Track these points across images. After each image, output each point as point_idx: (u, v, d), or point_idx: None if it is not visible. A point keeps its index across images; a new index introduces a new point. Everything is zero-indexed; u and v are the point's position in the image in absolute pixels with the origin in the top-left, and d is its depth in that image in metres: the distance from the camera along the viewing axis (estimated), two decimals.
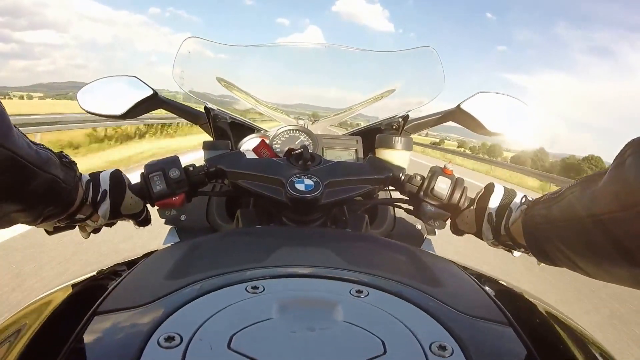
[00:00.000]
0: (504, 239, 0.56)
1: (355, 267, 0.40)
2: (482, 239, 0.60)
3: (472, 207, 0.61)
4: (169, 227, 0.83)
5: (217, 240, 0.60)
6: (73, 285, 0.42)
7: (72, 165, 0.52)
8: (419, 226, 0.83)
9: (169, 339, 0.26)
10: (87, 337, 0.29)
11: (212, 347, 0.26)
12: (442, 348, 0.27)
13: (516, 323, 0.33)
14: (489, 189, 0.59)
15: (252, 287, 0.34)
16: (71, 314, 0.33)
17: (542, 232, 0.45)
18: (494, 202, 0.58)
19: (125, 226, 0.69)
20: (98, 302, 0.33)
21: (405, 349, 0.27)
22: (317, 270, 0.38)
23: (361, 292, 0.34)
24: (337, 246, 0.47)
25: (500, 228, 0.56)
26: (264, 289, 0.34)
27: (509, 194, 0.58)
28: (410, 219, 0.82)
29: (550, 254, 0.44)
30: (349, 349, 0.27)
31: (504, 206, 0.57)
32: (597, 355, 0.36)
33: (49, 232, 0.59)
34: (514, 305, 0.40)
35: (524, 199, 0.55)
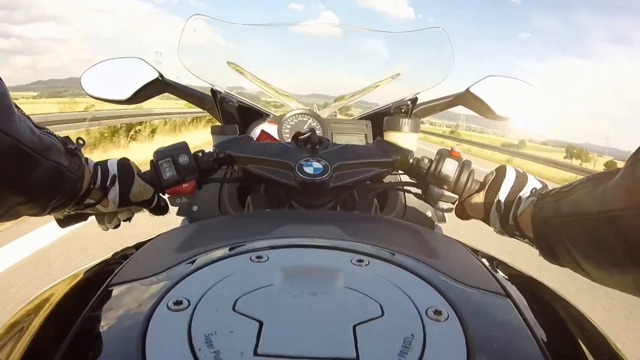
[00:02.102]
0: (511, 229, 0.56)
1: (358, 239, 0.41)
2: (489, 225, 0.61)
3: (481, 192, 0.60)
4: (182, 218, 0.82)
5: (227, 220, 0.61)
6: (89, 268, 0.43)
7: (77, 151, 0.49)
8: (429, 213, 0.83)
9: (177, 303, 0.28)
10: (100, 306, 0.31)
11: (218, 309, 0.27)
12: (438, 313, 0.28)
13: (513, 296, 0.34)
14: (501, 173, 0.59)
15: (257, 257, 0.35)
16: (86, 289, 0.35)
17: (550, 226, 0.45)
18: (505, 188, 0.57)
19: None
20: (111, 276, 0.35)
21: (401, 312, 0.28)
22: (321, 242, 0.40)
23: (362, 261, 0.35)
24: (343, 223, 0.48)
25: (508, 217, 0.56)
26: (268, 258, 0.35)
27: (521, 180, 0.57)
28: (421, 206, 0.83)
29: (556, 250, 0.44)
30: (348, 311, 0.28)
31: (514, 194, 0.56)
32: (593, 335, 0.37)
33: (60, 223, 0.58)
34: (513, 281, 0.41)
35: (534, 190, 0.55)
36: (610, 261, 0.36)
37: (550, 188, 0.55)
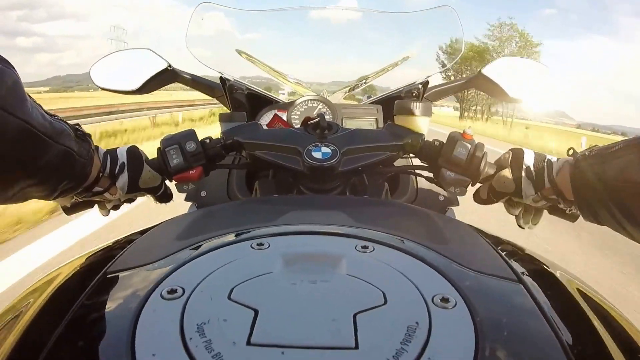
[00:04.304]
0: (547, 193, 0.54)
1: (364, 225, 0.40)
2: (521, 198, 0.58)
3: (506, 169, 0.59)
4: (190, 204, 0.83)
5: (231, 207, 0.60)
6: (90, 254, 0.43)
7: (86, 138, 0.51)
8: (441, 197, 0.82)
9: (172, 291, 0.27)
10: (96, 294, 0.31)
11: (213, 298, 0.27)
12: (445, 300, 0.27)
13: (526, 282, 0.32)
14: (519, 150, 0.58)
15: (258, 244, 0.34)
16: (83, 278, 0.34)
17: (593, 190, 0.44)
18: (529, 159, 0.56)
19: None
20: (109, 264, 0.34)
21: (406, 300, 0.27)
22: (325, 228, 0.38)
23: (366, 247, 0.34)
24: (349, 209, 0.46)
25: (543, 181, 0.54)
26: (269, 246, 0.34)
27: (541, 154, 0.57)
28: (433, 189, 0.82)
29: (599, 212, 0.43)
30: (348, 299, 0.27)
31: (541, 160, 0.55)
32: (613, 321, 0.35)
33: (66, 210, 0.59)
34: (527, 266, 0.40)
35: (559, 159, 0.54)
36: None
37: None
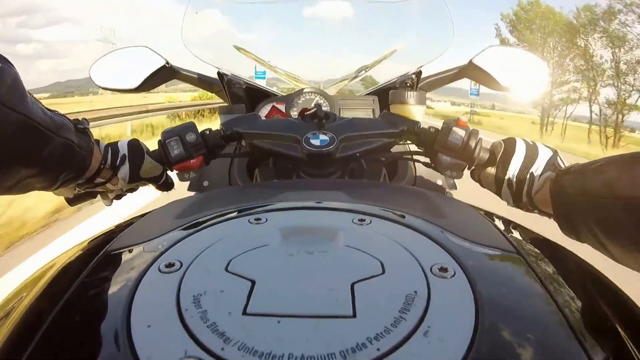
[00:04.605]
0: (524, 206, 0.55)
1: (362, 200, 0.40)
2: (501, 199, 0.60)
3: (492, 167, 0.60)
4: (193, 194, 0.85)
5: (231, 190, 0.61)
6: (93, 238, 0.43)
7: (86, 131, 0.52)
8: (439, 181, 0.83)
9: (169, 265, 0.27)
10: (96, 272, 0.31)
11: (210, 270, 0.27)
12: (444, 270, 0.26)
13: (525, 254, 0.31)
14: (510, 146, 0.58)
15: (255, 219, 0.34)
16: (84, 258, 0.34)
17: (574, 205, 0.43)
18: (516, 163, 0.56)
19: None
20: (109, 244, 0.35)
21: (404, 270, 0.27)
22: (322, 204, 0.38)
23: (363, 220, 0.34)
24: (348, 189, 0.47)
25: (521, 194, 0.55)
26: (266, 220, 0.34)
27: (531, 153, 0.56)
28: (431, 174, 0.83)
29: (579, 228, 0.43)
30: (346, 269, 0.27)
31: (525, 170, 0.55)
32: (611, 295, 0.34)
33: (69, 201, 0.61)
34: (524, 240, 0.40)
35: (547, 165, 0.53)
36: (637, 247, 0.35)
37: (560, 156, 0.55)
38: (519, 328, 0.23)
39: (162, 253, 0.30)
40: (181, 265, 0.27)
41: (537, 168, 0.54)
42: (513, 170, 0.56)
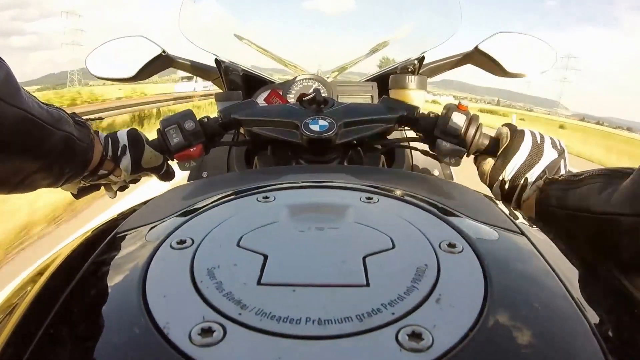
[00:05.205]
0: (513, 208, 0.55)
1: (367, 180, 0.40)
2: (491, 193, 0.58)
3: (490, 159, 0.58)
4: None
5: (234, 175, 0.61)
6: (98, 226, 0.43)
7: (85, 124, 0.52)
8: (436, 172, 0.83)
9: (181, 242, 0.28)
10: (106, 252, 0.31)
11: (222, 245, 0.27)
12: (452, 245, 0.27)
13: (529, 235, 0.32)
14: (516, 141, 0.55)
15: (263, 197, 0.34)
16: (94, 241, 0.34)
17: (554, 217, 0.44)
18: (515, 162, 0.54)
19: None
20: (119, 226, 0.35)
21: (413, 245, 0.27)
22: (329, 183, 0.39)
23: (371, 198, 0.34)
24: (351, 172, 0.48)
25: (510, 199, 0.54)
26: (274, 199, 0.34)
27: (535, 153, 0.53)
28: (428, 164, 0.82)
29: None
30: (356, 243, 0.27)
31: (522, 174, 0.53)
32: (610, 275, 0.35)
33: (75, 195, 0.61)
34: (528, 222, 0.40)
35: (542, 172, 0.52)
36: (606, 262, 0.36)
37: (565, 158, 0.54)
38: (525, 298, 0.24)
39: (172, 231, 0.30)
40: (192, 242, 0.28)
41: (533, 174, 0.53)
42: (510, 171, 0.55)
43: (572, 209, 0.41)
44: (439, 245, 0.27)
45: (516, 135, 0.56)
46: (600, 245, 0.36)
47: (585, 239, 0.39)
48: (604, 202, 0.36)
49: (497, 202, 0.44)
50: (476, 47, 0.85)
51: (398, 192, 0.37)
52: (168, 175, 0.67)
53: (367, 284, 0.23)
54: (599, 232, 0.36)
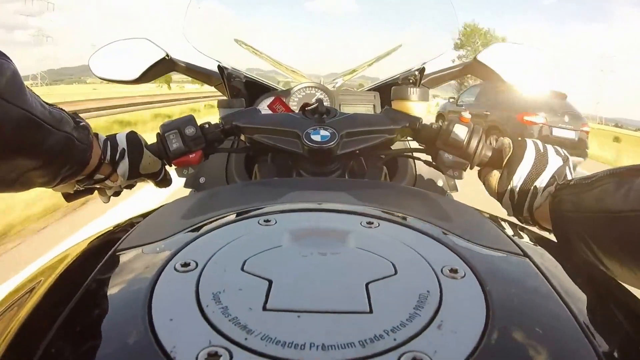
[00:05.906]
0: (525, 219, 0.54)
1: (367, 203, 0.40)
2: (502, 207, 0.57)
3: (496, 171, 0.57)
4: (189, 191, 0.83)
5: (234, 188, 0.61)
6: (95, 237, 0.43)
7: (85, 125, 0.52)
8: (440, 182, 0.82)
9: (185, 264, 0.28)
10: (107, 271, 0.31)
11: (226, 269, 0.27)
12: (454, 271, 0.27)
13: (532, 256, 0.32)
14: (520, 150, 0.54)
15: (264, 220, 0.35)
16: (93, 256, 0.34)
17: (570, 221, 0.44)
18: (522, 172, 0.53)
19: None
20: (118, 242, 0.35)
21: (415, 271, 0.28)
22: (329, 206, 0.39)
23: (372, 223, 0.35)
24: (351, 190, 0.48)
25: (522, 209, 0.53)
26: (275, 222, 0.35)
27: (540, 161, 0.53)
28: (432, 174, 0.82)
29: (576, 244, 0.43)
30: (359, 269, 0.28)
31: (530, 182, 0.52)
32: (622, 297, 0.35)
33: (67, 198, 0.60)
34: (530, 242, 0.40)
35: (552, 178, 0.51)
36: (634, 260, 0.35)
37: (570, 164, 0.53)
38: (528, 323, 0.24)
39: (175, 253, 0.30)
40: (197, 265, 0.28)
41: (542, 181, 0.52)
42: (517, 180, 0.53)
43: (590, 212, 0.40)
44: (441, 271, 0.27)
45: (518, 144, 0.56)
46: (624, 244, 0.36)
47: (608, 239, 0.38)
48: (621, 201, 0.36)
49: (501, 221, 0.44)
50: (475, 58, 0.87)
51: (399, 215, 0.37)
52: (165, 181, 0.66)
53: (370, 311, 0.23)
54: (621, 231, 0.36)
